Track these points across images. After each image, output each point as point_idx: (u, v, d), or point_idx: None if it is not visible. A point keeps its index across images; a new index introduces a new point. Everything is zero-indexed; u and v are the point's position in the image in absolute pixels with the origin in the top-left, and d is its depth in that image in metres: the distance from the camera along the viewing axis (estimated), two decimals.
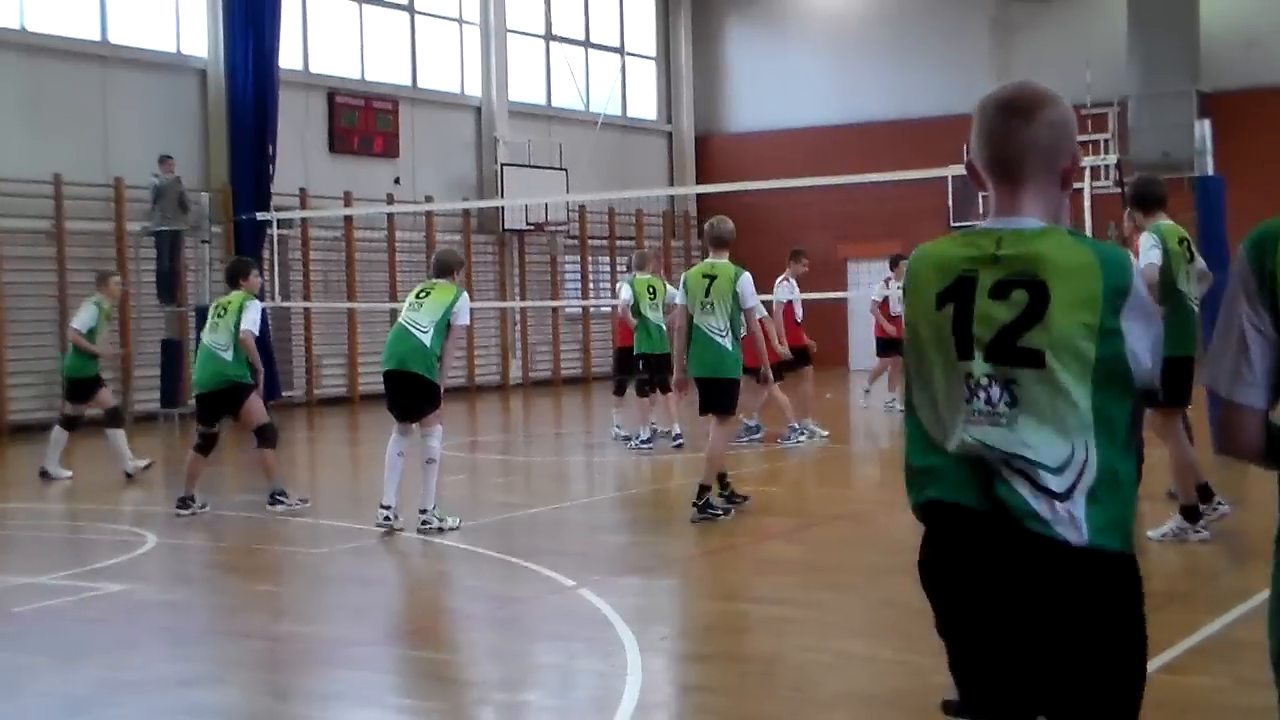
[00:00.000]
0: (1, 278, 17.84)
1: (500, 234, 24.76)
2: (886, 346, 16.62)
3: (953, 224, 25.50)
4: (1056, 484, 2.55)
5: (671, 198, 28.30)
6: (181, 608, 7.69)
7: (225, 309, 10.59)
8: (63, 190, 18.33)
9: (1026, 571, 2.58)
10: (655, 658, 6.20)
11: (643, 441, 14.13)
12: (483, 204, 23.65)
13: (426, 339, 9.44)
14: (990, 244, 2.65)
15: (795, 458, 13.56)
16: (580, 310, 26.26)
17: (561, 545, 9.24)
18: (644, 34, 28.84)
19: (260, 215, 19.32)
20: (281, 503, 10.42)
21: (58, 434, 13.00)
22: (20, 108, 18.16)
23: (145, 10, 20.00)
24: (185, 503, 10.48)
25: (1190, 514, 8.18)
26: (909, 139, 25.55)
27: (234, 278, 10.90)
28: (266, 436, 10.53)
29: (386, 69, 23.38)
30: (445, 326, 9.47)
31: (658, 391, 14.19)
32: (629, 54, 28.42)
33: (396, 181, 23.06)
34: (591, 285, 26.94)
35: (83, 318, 12.95)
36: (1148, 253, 8.09)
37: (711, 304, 9.68)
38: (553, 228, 25.00)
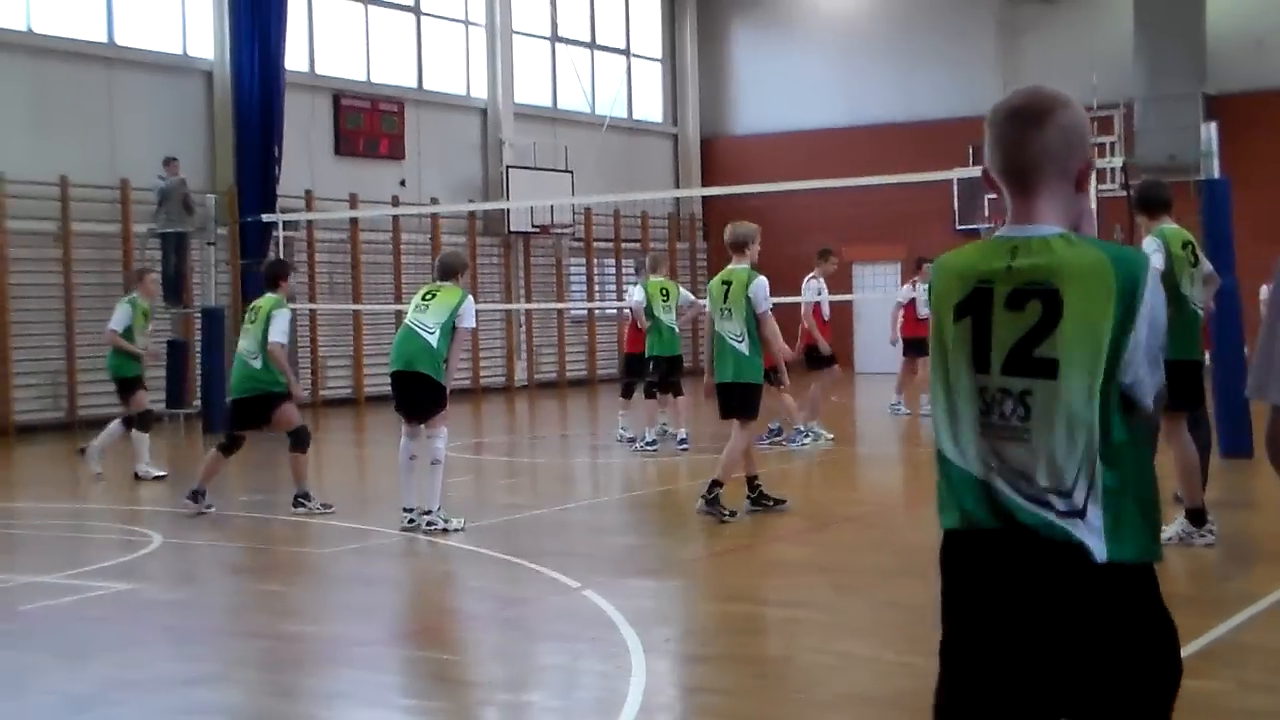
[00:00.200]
0: (7, 279, 17.87)
1: (505, 236, 24.77)
2: (910, 347, 16.60)
3: (958, 226, 25.58)
4: (1068, 504, 2.54)
5: (677, 200, 28.30)
6: (186, 607, 7.70)
7: (256, 315, 10.56)
8: (69, 192, 18.36)
9: (1049, 587, 2.55)
10: (659, 659, 6.20)
11: (647, 443, 14.12)
12: (488, 206, 23.66)
13: (433, 340, 9.48)
14: (1006, 254, 2.64)
15: (800, 460, 13.55)
16: (585, 312, 26.26)
17: (566, 546, 9.24)
18: (649, 36, 28.84)
19: (266, 217, 19.35)
20: (304, 505, 10.42)
21: (136, 436, 12.79)
22: (26, 109, 18.19)
23: (151, 12, 20.03)
24: (196, 496, 10.51)
25: (1195, 517, 8.17)
26: (915, 141, 25.55)
27: (274, 279, 10.84)
28: (299, 440, 10.52)
29: (392, 71, 23.40)
30: (451, 328, 9.51)
31: (670, 394, 14.20)
32: (634, 56, 28.42)
33: (402, 183, 23.08)
34: (597, 287, 26.94)
35: (118, 317, 12.85)
36: (1150, 256, 8.07)
37: (729, 310, 9.75)
38: (558, 230, 25.01)
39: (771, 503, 9.94)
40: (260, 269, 19.40)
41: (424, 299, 9.71)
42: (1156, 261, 8.07)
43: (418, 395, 9.58)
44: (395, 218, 22.52)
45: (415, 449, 9.64)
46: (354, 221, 21.97)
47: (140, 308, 12.93)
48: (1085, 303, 2.54)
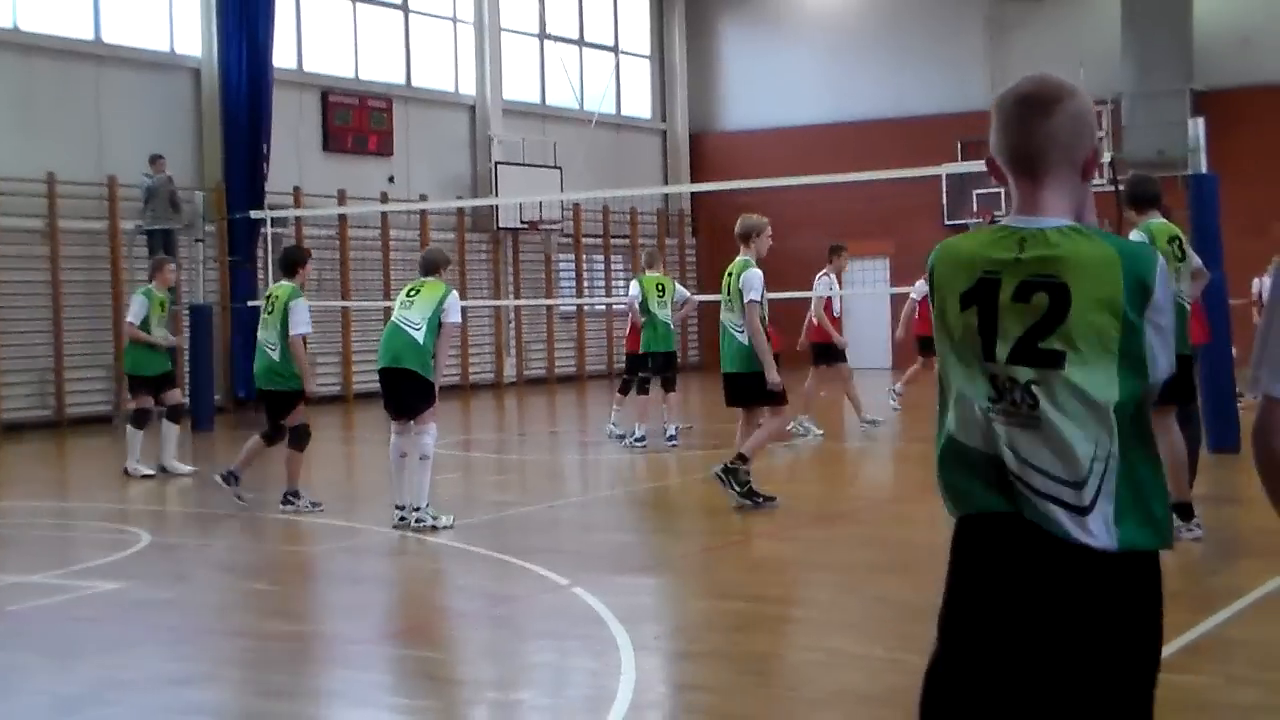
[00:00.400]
0: None
1: (495, 232, 24.75)
2: (929, 346, 16.63)
3: (947, 221, 25.60)
4: (1077, 498, 2.55)
5: (666, 196, 28.30)
6: (175, 606, 7.68)
7: (273, 305, 10.52)
8: (56, 189, 18.31)
9: (1058, 573, 2.56)
10: (649, 656, 6.20)
11: (637, 439, 14.13)
12: (477, 202, 23.64)
13: (420, 336, 9.48)
14: (1013, 245, 2.64)
15: (790, 455, 13.56)
16: (575, 309, 26.26)
17: (555, 544, 9.24)
18: (638, 32, 28.83)
19: (254, 214, 19.30)
20: (293, 504, 10.39)
21: (167, 429, 12.73)
22: (14, 107, 18.14)
23: (139, 9, 19.97)
24: (231, 478, 10.53)
25: (1183, 512, 8.19)
26: (903, 137, 25.58)
27: (291, 266, 10.73)
28: (298, 438, 10.50)
29: (380, 68, 23.37)
30: (438, 324, 9.51)
31: (664, 390, 14.21)
32: (623, 52, 28.41)
33: (391, 180, 23.05)
34: (586, 284, 26.94)
35: (134, 309, 12.75)
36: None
37: (731, 301, 10.03)
38: (547, 226, 24.99)
39: (761, 499, 9.96)
40: (238, 261, 19.62)
41: (408, 295, 9.71)
42: None
43: (406, 392, 9.57)
44: (384, 214, 22.50)
45: (405, 446, 9.63)
46: (342, 218, 21.94)
47: (156, 298, 12.78)
48: (1093, 297, 2.54)
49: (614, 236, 26.96)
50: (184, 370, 18.37)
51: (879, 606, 7.08)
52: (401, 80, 23.71)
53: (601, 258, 27.05)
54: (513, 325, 25.15)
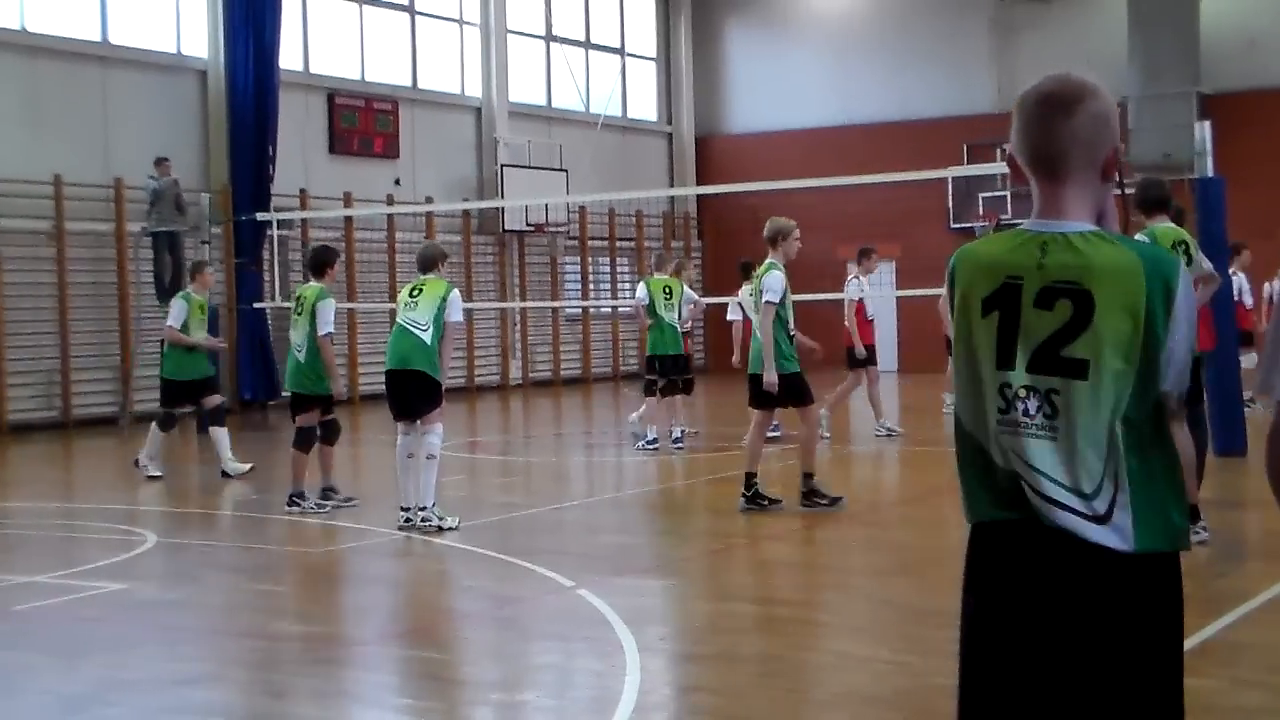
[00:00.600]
0: (1, 278, 17.84)
1: (500, 235, 24.76)
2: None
3: (953, 225, 25.60)
4: (1094, 506, 2.54)
5: (671, 199, 28.30)
6: (181, 607, 7.68)
7: (302, 306, 10.53)
8: (63, 191, 18.34)
9: (1076, 579, 2.56)
10: (654, 658, 6.20)
11: (648, 442, 14.11)
12: (483, 205, 23.66)
13: (427, 337, 9.50)
14: (1035, 249, 2.62)
15: (794, 458, 13.54)
16: (580, 311, 26.26)
17: (561, 545, 9.24)
18: (644, 35, 28.84)
19: (260, 216, 19.34)
20: (298, 505, 10.40)
21: (216, 434, 12.64)
22: (20, 108, 18.17)
23: (145, 11, 20.00)
24: (328, 495, 10.55)
25: (1190, 514, 8.17)
26: (909, 140, 25.56)
27: (319, 267, 10.72)
28: (303, 440, 10.51)
29: (386, 70, 23.39)
30: (444, 323, 9.53)
31: (672, 393, 14.20)
32: (629, 55, 28.42)
33: (397, 182, 23.07)
34: (591, 286, 26.95)
35: (174, 313, 12.70)
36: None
37: (757, 303, 10.11)
38: (553, 229, 25.00)
39: (766, 502, 9.96)
40: (244, 263, 19.64)
41: (411, 295, 9.72)
42: None
43: (414, 393, 9.59)
44: (390, 217, 22.51)
45: (412, 447, 9.64)
46: (348, 220, 21.95)
47: (196, 301, 12.74)
48: (1117, 304, 2.52)
49: (619, 239, 26.96)
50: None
51: (885, 609, 7.06)
52: (407, 82, 23.73)
53: (607, 260, 27.06)
54: (518, 327, 25.16)
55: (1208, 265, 8.60)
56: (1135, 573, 2.56)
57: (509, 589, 7.89)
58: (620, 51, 28.21)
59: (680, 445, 14.01)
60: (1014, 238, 2.68)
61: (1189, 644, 5.86)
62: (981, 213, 25.49)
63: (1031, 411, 2.58)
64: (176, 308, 12.75)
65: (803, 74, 27.80)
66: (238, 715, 5.68)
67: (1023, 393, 2.59)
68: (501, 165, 24.29)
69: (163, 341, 13.21)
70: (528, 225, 24.52)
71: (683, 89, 29.07)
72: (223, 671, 6.27)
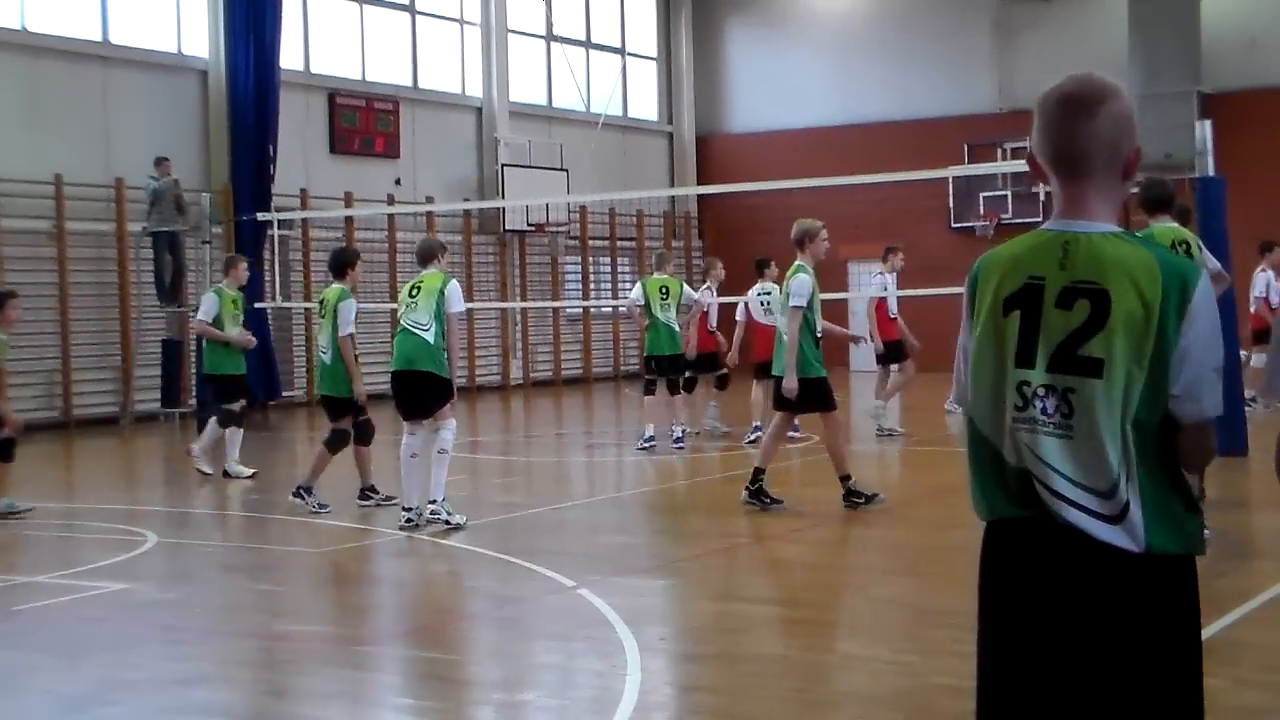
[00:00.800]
0: (2, 278, 17.83)
1: (501, 235, 24.76)
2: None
3: (953, 225, 25.60)
4: (1108, 506, 2.54)
5: (672, 198, 28.30)
6: (181, 607, 7.69)
7: (324, 308, 10.57)
8: (63, 191, 18.34)
9: (1089, 578, 2.56)
10: (654, 658, 6.20)
11: (645, 441, 14.10)
12: (483, 205, 23.65)
13: (430, 336, 9.51)
14: (1057, 249, 2.63)
15: (795, 458, 13.55)
16: (581, 311, 26.27)
17: (562, 545, 9.24)
18: (645, 34, 28.84)
19: (261, 216, 19.32)
20: (303, 498, 10.39)
21: (230, 433, 12.45)
22: (21, 108, 18.17)
23: (146, 11, 20.00)
24: (366, 495, 10.57)
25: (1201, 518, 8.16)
26: (910, 139, 25.56)
27: (341, 268, 10.74)
28: (336, 439, 10.51)
29: (387, 69, 23.39)
30: (444, 316, 9.53)
31: (671, 393, 14.20)
32: (630, 54, 28.42)
33: (397, 182, 23.07)
34: (592, 286, 26.95)
35: (205, 308, 12.60)
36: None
37: (784, 305, 10.09)
38: (553, 228, 25.00)
39: (768, 500, 9.96)
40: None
41: (410, 294, 9.73)
42: None
43: (422, 393, 9.61)
44: (390, 216, 22.51)
45: (416, 447, 9.64)
46: (349, 220, 21.95)
47: (228, 296, 12.60)
48: (1133, 305, 2.53)
49: (620, 239, 26.96)
50: (188, 374, 18.39)
51: (886, 609, 7.06)
52: (408, 82, 23.73)
53: (608, 260, 27.06)
54: (519, 327, 25.15)
55: (1214, 264, 8.54)
56: (1147, 573, 2.56)
57: (510, 589, 7.89)
58: (621, 51, 28.21)
59: (680, 445, 14.01)
60: (1036, 237, 2.70)
61: None
62: (982, 212, 25.50)
63: (1049, 410, 2.59)
64: (207, 302, 12.66)
65: (803, 74, 27.79)
66: (238, 715, 5.68)
67: (1041, 391, 2.60)
68: (502, 165, 24.29)
69: (198, 338, 13.06)
70: (528, 225, 24.52)
71: (683, 89, 29.07)
72: (223, 671, 6.27)
